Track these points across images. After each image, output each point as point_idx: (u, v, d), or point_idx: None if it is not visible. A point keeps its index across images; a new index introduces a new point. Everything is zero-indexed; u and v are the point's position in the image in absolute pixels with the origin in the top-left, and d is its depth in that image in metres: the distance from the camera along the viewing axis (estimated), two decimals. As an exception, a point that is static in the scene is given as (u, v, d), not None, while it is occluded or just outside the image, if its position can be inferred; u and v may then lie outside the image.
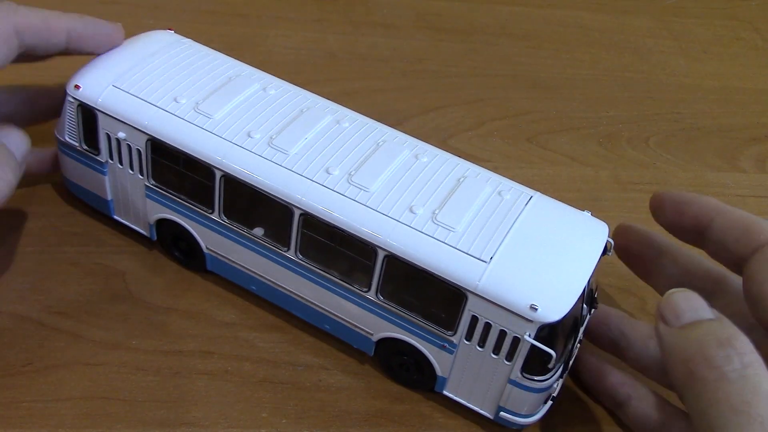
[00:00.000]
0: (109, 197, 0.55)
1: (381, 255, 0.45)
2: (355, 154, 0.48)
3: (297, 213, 0.46)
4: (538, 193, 0.48)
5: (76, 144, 0.53)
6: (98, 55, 0.53)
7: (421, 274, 0.44)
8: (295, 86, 0.53)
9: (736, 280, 0.47)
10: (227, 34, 0.79)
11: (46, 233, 0.56)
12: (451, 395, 0.48)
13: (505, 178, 0.49)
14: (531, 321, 0.42)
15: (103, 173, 0.53)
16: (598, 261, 0.45)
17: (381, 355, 0.50)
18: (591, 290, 0.48)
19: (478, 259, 0.43)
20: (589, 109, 0.78)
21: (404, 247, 0.44)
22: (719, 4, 1.00)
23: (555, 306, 0.42)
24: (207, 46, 0.56)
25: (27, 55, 0.51)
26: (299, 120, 0.50)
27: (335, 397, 0.49)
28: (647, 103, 0.80)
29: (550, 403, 0.47)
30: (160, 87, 0.50)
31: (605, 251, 0.46)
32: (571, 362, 0.49)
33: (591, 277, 0.45)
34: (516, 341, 0.43)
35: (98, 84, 0.51)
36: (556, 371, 0.45)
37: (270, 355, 0.51)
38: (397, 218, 0.45)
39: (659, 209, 0.48)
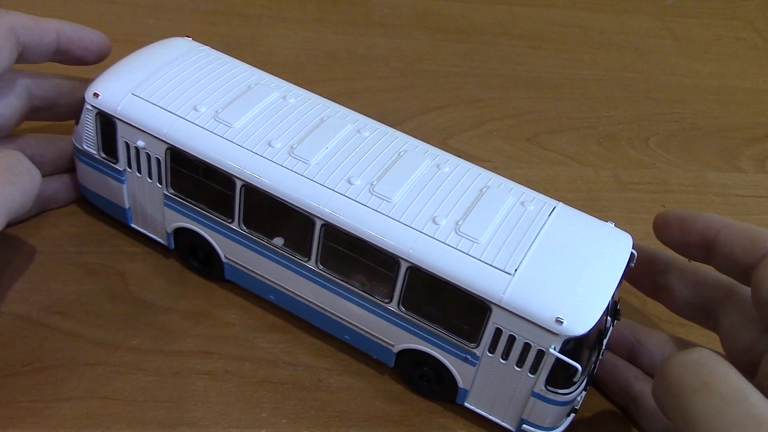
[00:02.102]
0: (127, 205, 0.55)
1: (404, 266, 0.44)
2: (376, 164, 0.48)
3: (318, 223, 0.46)
4: (561, 204, 0.48)
5: (94, 152, 0.53)
6: (86, 63, 0.54)
7: (444, 286, 0.43)
8: (315, 95, 0.53)
9: (744, 288, 0.47)
10: (227, 34, 0.79)
11: (47, 233, 0.56)
12: (472, 407, 0.48)
13: (527, 188, 0.48)
14: (557, 334, 0.41)
15: (122, 182, 0.53)
16: (623, 273, 0.45)
17: (402, 367, 0.50)
18: (615, 302, 0.47)
19: (502, 271, 0.43)
20: (589, 109, 0.78)
21: (427, 258, 0.43)
22: (719, 4, 1.00)
23: (581, 319, 0.41)
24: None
25: (22, 59, 0.51)
26: (320, 129, 0.49)
27: (335, 397, 0.49)
28: (647, 103, 0.80)
29: (572, 415, 0.47)
30: (180, 95, 0.50)
31: (629, 262, 0.46)
32: (593, 374, 0.48)
33: (616, 289, 0.44)
34: (541, 354, 0.42)
35: (117, 92, 0.50)
36: (580, 384, 0.45)
37: (270, 355, 0.51)
38: (420, 229, 0.44)
39: (665, 229, 0.48)
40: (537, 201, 0.47)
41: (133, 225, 0.56)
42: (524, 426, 0.46)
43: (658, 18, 0.95)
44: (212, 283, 0.55)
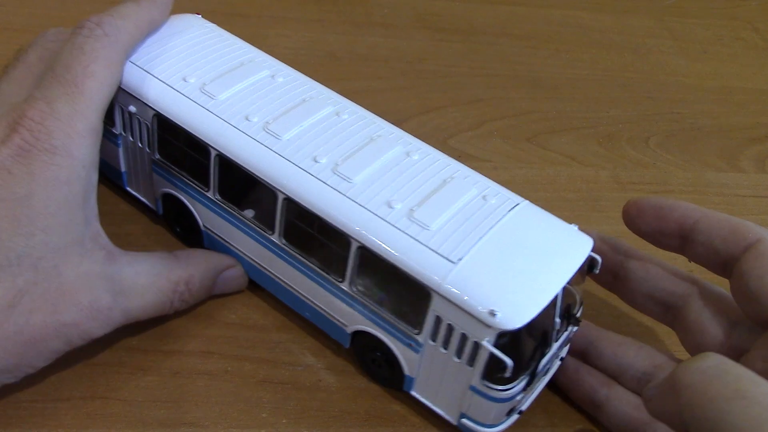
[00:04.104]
0: (123, 169, 0.56)
1: (354, 246, 0.45)
2: (346, 146, 0.48)
3: (280, 197, 0.47)
4: (527, 202, 0.47)
5: None
6: None
7: (391, 269, 0.44)
8: (306, 76, 0.54)
9: (705, 282, 0.46)
10: (227, 34, 0.79)
11: (46, 233, 0.56)
12: (418, 396, 0.48)
13: (495, 183, 0.48)
14: (490, 327, 0.40)
15: (118, 145, 0.55)
16: (575, 274, 0.44)
17: (356, 349, 0.50)
18: (569, 305, 0.46)
19: (446, 259, 0.42)
20: (589, 109, 0.78)
21: (375, 239, 0.44)
22: (719, 4, 1.00)
23: (516, 314, 0.40)
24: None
25: None
26: (299, 108, 0.50)
27: (335, 397, 0.49)
28: (647, 103, 0.80)
29: (516, 416, 0.46)
30: (173, 66, 0.51)
31: (591, 269, 0.45)
32: (547, 378, 0.48)
33: (565, 289, 0.43)
34: (476, 346, 0.42)
35: None
36: (519, 383, 0.44)
37: (270, 355, 0.51)
38: (373, 211, 0.44)
39: (639, 217, 0.47)
40: (500, 196, 0.47)
41: (128, 188, 0.58)
42: (463, 420, 0.46)
43: (658, 18, 0.95)
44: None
